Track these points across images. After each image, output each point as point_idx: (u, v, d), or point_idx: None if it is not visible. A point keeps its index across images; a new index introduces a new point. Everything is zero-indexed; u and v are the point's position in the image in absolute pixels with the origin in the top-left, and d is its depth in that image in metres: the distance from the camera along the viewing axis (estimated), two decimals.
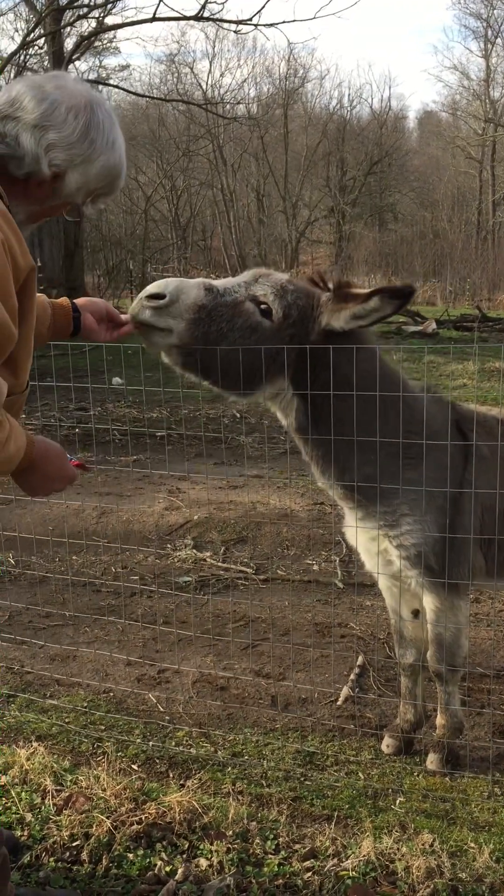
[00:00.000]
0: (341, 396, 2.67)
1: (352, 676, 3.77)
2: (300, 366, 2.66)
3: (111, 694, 3.68)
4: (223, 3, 21.27)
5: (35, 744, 3.15)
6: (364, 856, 2.51)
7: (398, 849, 2.55)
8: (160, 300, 2.52)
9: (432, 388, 3.10)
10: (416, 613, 3.15)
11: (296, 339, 2.67)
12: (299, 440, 2.86)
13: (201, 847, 2.58)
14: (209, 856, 2.53)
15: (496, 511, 2.93)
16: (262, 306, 2.63)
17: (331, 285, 2.72)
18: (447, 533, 2.85)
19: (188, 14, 19.84)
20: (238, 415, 9.32)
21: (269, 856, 2.55)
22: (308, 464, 2.91)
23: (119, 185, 2.10)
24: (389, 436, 2.74)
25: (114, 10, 22.33)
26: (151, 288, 2.55)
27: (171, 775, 3.05)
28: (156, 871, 2.47)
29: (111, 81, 29.34)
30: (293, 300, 2.65)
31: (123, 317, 2.48)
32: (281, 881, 2.44)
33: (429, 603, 2.98)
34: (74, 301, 2.40)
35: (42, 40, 21.25)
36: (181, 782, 2.97)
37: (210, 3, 18.22)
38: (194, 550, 5.35)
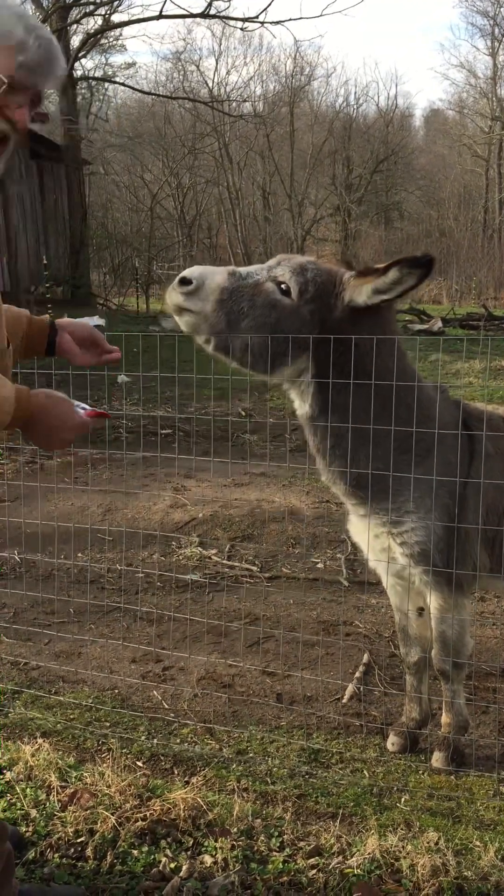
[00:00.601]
0: (357, 387, 2.69)
1: (357, 674, 3.77)
2: (322, 347, 2.70)
3: (116, 690, 3.68)
4: (229, 1, 21.27)
5: (40, 740, 3.15)
6: (369, 853, 2.51)
7: (403, 847, 2.54)
8: (189, 286, 2.67)
9: (443, 386, 3.10)
10: (421, 611, 3.14)
11: (317, 315, 2.71)
12: (309, 429, 2.87)
13: (206, 844, 2.57)
14: (214, 853, 2.52)
15: (501, 509, 2.92)
16: (282, 285, 2.71)
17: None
18: (452, 531, 2.85)
19: (195, 11, 19.84)
20: (243, 413, 9.31)
21: (274, 853, 2.55)
22: (314, 457, 2.91)
23: (40, 53, 1.84)
24: (399, 432, 2.75)
25: (120, 8, 22.34)
26: (182, 274, 2.70)
27: (175, 772, 3.05)
28: (160, 868, 2.46)
29: (117, 79, 29.37)
30: (311, 277, 2.70)
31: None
32: (285, 878, 2.43)
33: (433, 601, 2.98)
34: (58, 321, 2.36)
35: None
36: (186, 779, 2.97)
37: (216, 0, 18.22)
38: (200, 548, 5.34)
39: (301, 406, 2.86)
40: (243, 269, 2.77)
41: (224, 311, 2.68)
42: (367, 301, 2.64)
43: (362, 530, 2.99)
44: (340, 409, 2.74)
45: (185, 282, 2.68)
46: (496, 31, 37.56)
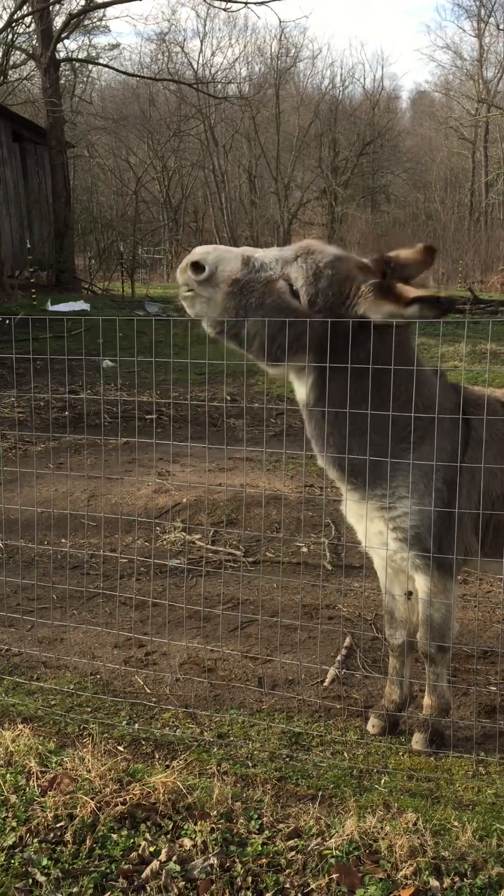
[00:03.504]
0: (356, 380, 2.69)
1: (339, 657, 3.78)
2: (323, 346, 2.70)
3: (98, 676, 3.68)
4: None
5: (20, 726, 3.14)
6: (348, 835, 2.52)
7: (382, 828, 2.56)
8: (202, 273, 2.64)
9: (441, 370, 3.08)
10: (410, 595, 3.16)
11: (325, 322, 2.69)
12: (307, 415, 2.89)
13: (185, 827, 2.58)
14: (193, 836, 2.53)
15: (494, 494, 2.94)
16: (293, 289, 2.67)
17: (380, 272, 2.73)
18: (445, 515, 2.86)
19: None
20: (228, 398, 9.29)
21: (253, 835, 2.56)
22: (310, 441, 2.93)
23: None
24: (398, 421, 2.77)
25: None
26: (195, 255, 2.65)
27: (156, 756, 3.05)
28: (140, 852, 2.47)
29: (101, 61, 29.09)
30: (324, 287, 2.66)
31: None
32: (265, 860, 2.44)
33: (421, 584, 2.99)
34: None
35: (29, 18, 20.99)
36: (166, 763, 2.97)
37: None
38: (184, 533, 5.34)
39: (300, 391, 2.88)
40: (258, 257, 2.69)
41: (233, 304, 2.66)
42: (381, 320, 2.63)
43: (357, 514, 3.01)
44: (338, 397, 2.75)
45: (197, 267, 2.65)
46: (482, 12, 37.41)
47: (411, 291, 2.57)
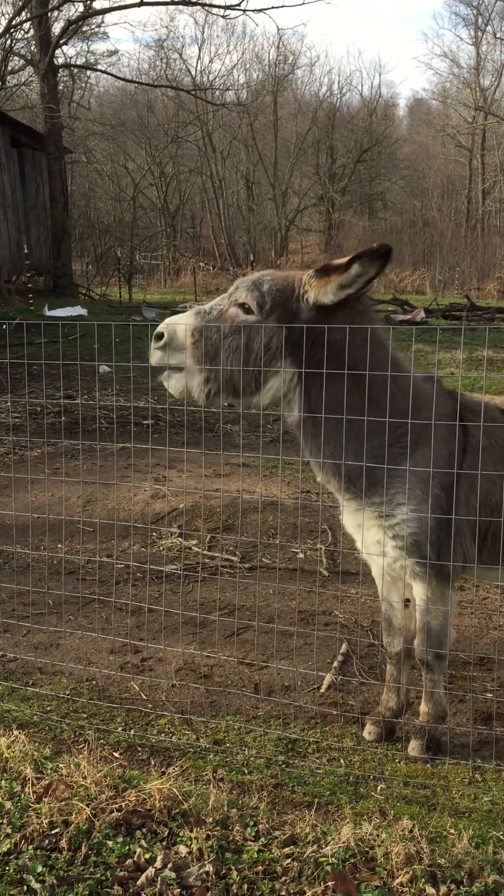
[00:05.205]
0: (339, 385, 2.72)
1: (335, 664, 3.77)
2: (297, 349, 2.74)
3: (94, 682, 3.67)
4: None
5: (16, 732, 3.13)
6: (344, 842, 2.51)
7: (378, 835, 2.55)
8: (162, 339, 2.83)
9: (437, 377, 3.08)
10: (408, 602, 3.16)
11: (283, 322, 2.76)
12: (300, 434, 2.90)
13: (181, 834, 2.57)
14: (189, 843, 2.52)
15: (491, 500, 2.94)
16: (244, 306, 2.81)
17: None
18: (443, 522, 2.86)
19: None
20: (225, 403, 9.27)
21: (249, 842, 2.55)
22: (308, 460, 2.95)
23: None
24: (388, 425, 2.78)
25: None
26: (156, 332, 2.85)
27: (152, 763, 3.04)
28: (135, 859, 2.46)
29: (99, 67, 29.16)
30: (267, 289, 2.79)
31: None
32: (260, 868, 2.43)
33: (419, 592, 2.99)
34: None
35: (28, 24, 21.04)
36: (162, 770, 2.97)
37: None
38: (180, 539, 5.33)
39: (290, 415, 2.90)
40: (206, 305, 2.88)
41: (201, 352, 2.80)
42: (333, 299, 2.70)
43: (355, 524, 3.01)
44: (324, 407, 2.77)
45: (158, 337, 2.83)
46: (479, 20, 37.61)
47: (346, 257, 2.66)
